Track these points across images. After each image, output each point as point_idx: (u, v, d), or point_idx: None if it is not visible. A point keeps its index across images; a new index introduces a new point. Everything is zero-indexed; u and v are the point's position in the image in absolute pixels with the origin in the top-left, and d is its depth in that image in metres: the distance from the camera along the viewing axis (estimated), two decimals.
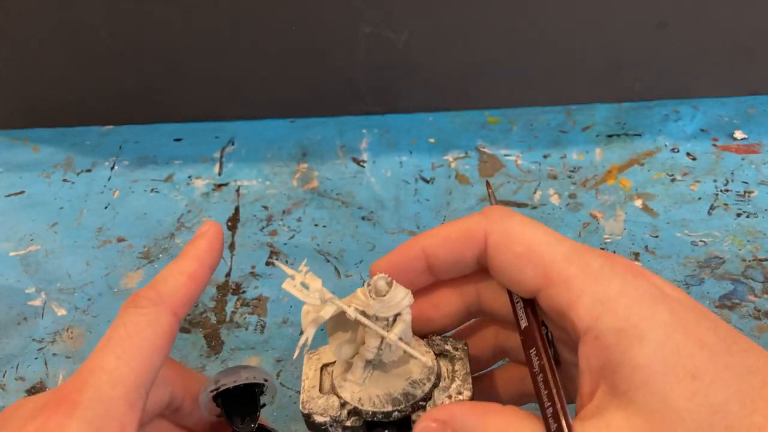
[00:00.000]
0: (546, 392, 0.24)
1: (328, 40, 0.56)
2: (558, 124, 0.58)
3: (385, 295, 0.26)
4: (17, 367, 0.44)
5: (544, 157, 0.56)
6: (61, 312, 0.47)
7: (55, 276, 0.49)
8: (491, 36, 0.55)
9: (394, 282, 0.26)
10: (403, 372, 0.28)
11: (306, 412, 0.28)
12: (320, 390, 0.29)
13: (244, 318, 0.46)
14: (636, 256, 0.48)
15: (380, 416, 0.27)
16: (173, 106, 0.60)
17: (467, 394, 0.28)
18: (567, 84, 0.59)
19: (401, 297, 0.26)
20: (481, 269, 0.29)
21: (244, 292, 0.48)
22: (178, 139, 0.59)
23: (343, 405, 0.28)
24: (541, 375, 0.24)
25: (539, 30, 0.55)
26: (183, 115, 0.61)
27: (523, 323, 0.26)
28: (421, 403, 0.27)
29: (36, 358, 0.45)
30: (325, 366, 0.30)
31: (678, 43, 0.56)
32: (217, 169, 0.57)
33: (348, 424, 0.27)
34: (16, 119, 0.61)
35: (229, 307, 0.47)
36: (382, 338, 0.27)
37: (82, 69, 0.57)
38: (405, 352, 0.27)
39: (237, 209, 0.53)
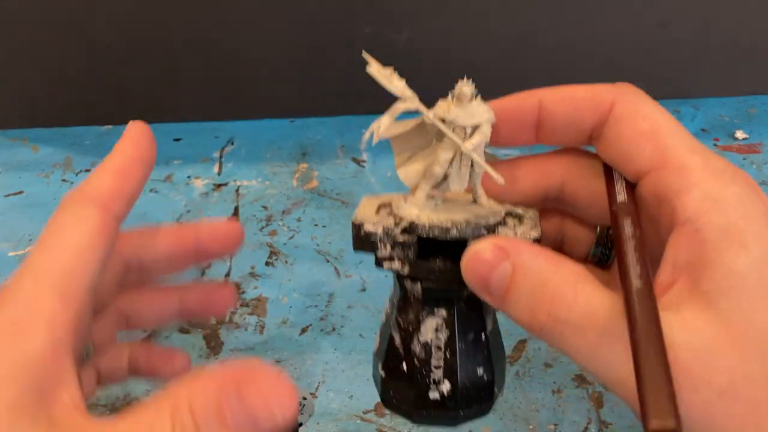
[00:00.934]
0: (637, 254, 0.22)
1: (328, 40, 0.55)
2: None
3: (467, 103, 0.25)
4: None
5: None
6: None
7: None
8: (491, 36, 0.55)
9: (479, 96, 0.25)
10: (468, 208, 0.26)
11: (357, 222, 0.26)
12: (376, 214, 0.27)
13: (244, 318, 0.46)
14: None
15: (437, 232, 0.25)
16: (172, 105, 0.60)
17: (535, 235, 0.25)
18: (567, 84, 0.59)
19: (484, 110, 0.25)
20: (577, 151, 0.28)
21: (243, 292, 0.48)
22: (178, 139, 0.59)
23: (397, 223, 0.26)
24: (633, 240, 0.23)
25: (539, 30, 0.55)
26: (182, 114, 0.61)
27: (621, 197, 0.25)
28: (483, 231, 0.25)
29: None
30: (383, 205, 0.28)
31: (679, 43, 0.56)
32: (216, 169, 0.57)
33: (400, 239, 0.26)
34: (15, 119, 0.61)
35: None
36: (456, 153, 0.25)
37: (81, 69, 0.57)
38: (476, 165, 0.25)
39: (236, 209, 0.53)
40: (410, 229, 0.25)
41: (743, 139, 0.55)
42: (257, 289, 0.48)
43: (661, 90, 0.59)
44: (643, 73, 0.58)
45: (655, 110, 0.25)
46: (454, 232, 0.25)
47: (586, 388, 0.41)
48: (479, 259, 0.23)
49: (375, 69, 0.25)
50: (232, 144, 0.59)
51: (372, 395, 0.42)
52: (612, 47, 0.56)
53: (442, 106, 0.25)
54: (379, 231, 0.26)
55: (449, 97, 0.25)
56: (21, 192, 0.56)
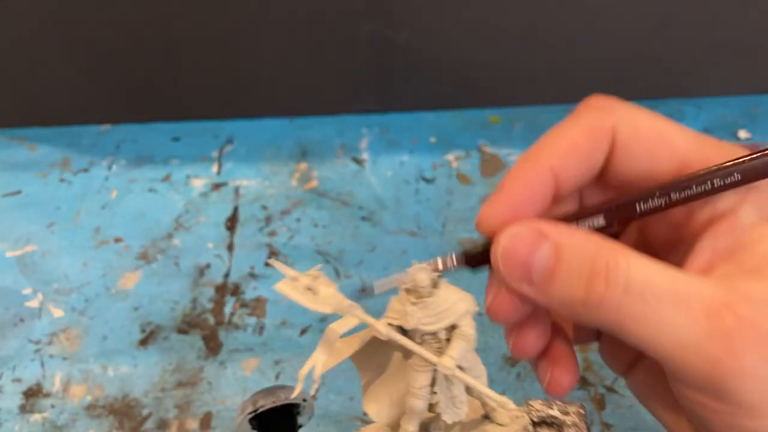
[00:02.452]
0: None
1: (328, 39, 0.55)
2: None
3: (429, 296, 0.18)
4: (14, 369, 0.44)
5: None
6: (58, 313, 0.47)
7: (52, 277, 0.49)
8: (492, 34, 0.55)
9: (444, 281, 0.18)
10: (478, 429, 0.18)
11: None
12: None
13: (243, 319, 0.46)
14: None
15: None
16: (171, 104, 0.60)
17: None
18: (569, 83, 0.58)
19: (455, 299, 0.18)
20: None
21: (243, 293, 0.47)
22: (176, 138, 0.59)
23: None
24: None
25: (541, 29, 0.55)
26: (181, 113, 0.60)
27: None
28: None
29: (33, 360, 0.44)
30: None
31: (681, 42, 0.55)
32: (215, 168, 0.56)
33: None
34: (12, 118, 0.60)
35: (228, 308, 0.47)
36: (434, 374, 0.18)
37: (79, 68, 0.57)
38: (472, 390, 0.17)
39: (236, 209, 0.53)
40: None
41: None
42: (256, 289, 0.48)
43: (664, 89, 0.59)
44: (645, 73, 0.58)
45: (651, 118, 0.25)
46: None
47: (588, 390, 0.41)
48: (517, 240, 0.21)
49: (286, 285, 0.17)
50: (231, 143, 0.58)
51: None
52: (614, 47, 0.56)
53: (396, 308, 0.18)
54: None
55: (401, 292, 0.18)
56: (19, 192, 0.55)
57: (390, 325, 0.17)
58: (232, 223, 0.52)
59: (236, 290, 0.48)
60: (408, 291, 0.18)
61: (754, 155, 0.23)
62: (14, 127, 0.61)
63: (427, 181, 0.54)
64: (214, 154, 0.58)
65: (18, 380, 0.43)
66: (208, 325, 0.46)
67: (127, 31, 0.55)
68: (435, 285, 0.18)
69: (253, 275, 0.48)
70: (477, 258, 0.21)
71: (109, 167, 0.57)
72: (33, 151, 0.59)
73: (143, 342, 0.45)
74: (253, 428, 0.30)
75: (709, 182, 0.23)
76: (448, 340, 0.17)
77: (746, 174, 0.23)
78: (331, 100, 0.60)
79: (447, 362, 0.17)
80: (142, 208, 0.53)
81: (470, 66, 0.57)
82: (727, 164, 0.23)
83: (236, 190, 0.54)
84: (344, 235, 0.51)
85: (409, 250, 0.49)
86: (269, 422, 0.30)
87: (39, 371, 0.44)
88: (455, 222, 0.51)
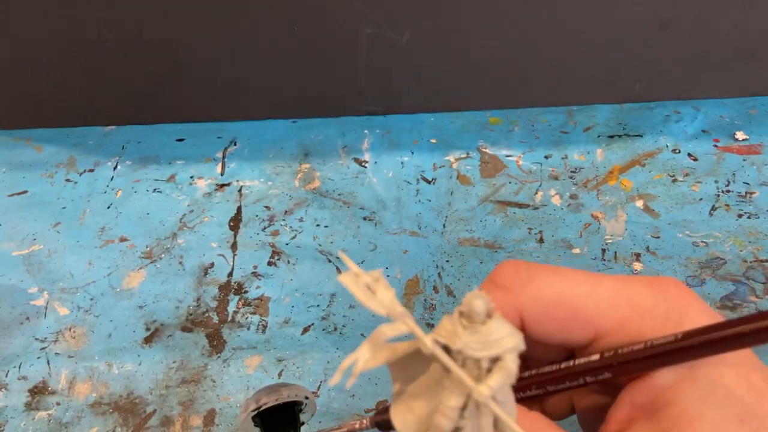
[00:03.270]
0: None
1: (329, 41, 0.56)
2: (559, 124, 0.58)
3: (481, 324, 0.18)
4: (20, 367, 0.44)
5: (546, 157, 0.56)
6: (64, 312, 0.47)
7: (58, 276, 0.50)
8: (492, 36, 0.55)
9: (498, 313, 0.18)
10: None
11: None
12: None
13: (246, 318, 0.46)
14: (637, 256, 0.48)
15: None
16: (175, 106, 0.60)
17: None
18: (568, 85, 0.59)
19: (505, 333, 0.18)
20: None
21: (246, 292, 0.48)
22: (181, 140, 0.60)
23: None
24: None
25: (540, 31, 0.55)
26: (185, 115, 0.61)
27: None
28: None
29: (38, 358, 0.45)
30: None
31: (679, 44, 0.56)
32: (219, 169, 0.57)
33: None
34: (19, 119, 0.61)
35: (231, 307, 0.47)
36: (467, 398, 0.18)
37: (85, 69, 0.57)
38: (500, 422, 0.17)
39: (239, 209, 0.54)
40: None
41: (743, 140, 0.55)
42: (259, 288, 0.48)
43: (662, 91, 0.59)
44: (643, 75, 0.58)
45: (555, 287, 0.24)
46: None
47: None
48: None
49: (349, 279, 0.18)
50: (235, 144, 0.59)
51: (373, 394, 0.42)
52: (613, 48, 0.56)
53: (446, 327, 0.18)
54: None
55: (455, 313, 0.18)
56: (25, 192, 0.56)
57: (436, 341, 0.18)
58: (235, 222, 0.53)
59: (239, 289, 0.48)
60: (461, 314, 0.18)
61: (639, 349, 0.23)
62: (20, 128, 0.61)
63: (428, 181, 0.55)
64: (218, 154, 0.58)
65: (24, 378, 0.44)
66: (212, 323, 0.46)
67: (132, 32, 0.55)
68: (489, 314, 0.18)
69: (256, 274, 0.49)
70: (389, 423, 0.22)
71: (115, 168, 0.57)
72: (39, 151, 0.59)
73: (148, 340, 0.46)
74: (256, 425, 0.30)
75: (582, 378, 0.23)
76: (488, 370, 0.17)
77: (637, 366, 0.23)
78: (333, 102, 0.60)
79: (483, 390, 0.17)
80: (146, 208, 0.54)
81: (470, 67, 0.58)
82: (630, 353, 0.23)
83: (240, 190, 0.55)
84: (346, 235, 0.51)
85: (410, 249, 0.50)
86: (272, 419, 0.30)
87: (44, 369, 0.44)
88: (455, 222, 0.51)
